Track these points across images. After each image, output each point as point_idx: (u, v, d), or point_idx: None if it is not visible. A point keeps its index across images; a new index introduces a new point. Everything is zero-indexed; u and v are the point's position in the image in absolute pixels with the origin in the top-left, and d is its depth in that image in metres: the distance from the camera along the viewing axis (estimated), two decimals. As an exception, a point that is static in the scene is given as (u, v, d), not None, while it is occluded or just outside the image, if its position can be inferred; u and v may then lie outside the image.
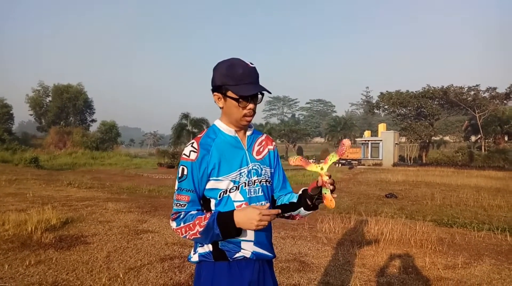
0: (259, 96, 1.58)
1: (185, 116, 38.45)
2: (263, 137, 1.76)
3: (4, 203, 8.87)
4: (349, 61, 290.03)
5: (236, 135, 1.63)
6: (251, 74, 1.52)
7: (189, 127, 37.75)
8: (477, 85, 44.31)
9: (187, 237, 1.51)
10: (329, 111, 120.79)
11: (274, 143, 1.81)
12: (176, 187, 1.56)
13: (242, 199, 1.56)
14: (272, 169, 1.76)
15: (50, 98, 54.80)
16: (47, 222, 6.08)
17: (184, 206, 1.53)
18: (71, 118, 55.68)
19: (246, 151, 1.63)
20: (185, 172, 1.53)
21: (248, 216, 1.42)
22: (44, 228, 5.81)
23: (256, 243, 1.57)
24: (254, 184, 1.60)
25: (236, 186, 1.56)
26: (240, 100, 1.52)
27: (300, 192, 1.67)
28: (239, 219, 1.44)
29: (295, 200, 1.69)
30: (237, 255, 1.55)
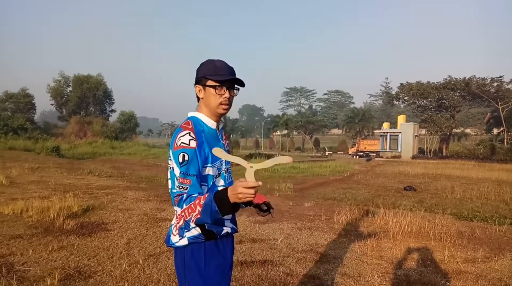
0: (235, 91, 1.79)
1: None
2: (223, 132, 1.97)
3: (27, 190, 9.14)
4: (368, 51, 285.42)
5: (215, 128, 1.82)
6: (229, 69, 1.75)
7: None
8: (500, 77, 43.21)
9: (192, 219, 1.58)
10: (347, 102, 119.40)
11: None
12: (178, 172, 1.64)
13: (223, 184, 1.79)
14: None
15: (70, 88, 55.66)
16: (69, 209, 6.25)
17: (186, 188, 1.62)
18: (91, 108, 56.53)
19: (222, 143, 1.86)
20: (186, 158, 1.63)
21: (234, 190, 1.49)
22: (66, 215, 5.97)
23: (232, 220, 1.83)
24: (227, 172, 1.86)
25: (219, 173, 1.78)
26: (217, 87, 1.71)
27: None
28: (229, 193, 1.50)
29: None
30: (223, 232, 1.77)
